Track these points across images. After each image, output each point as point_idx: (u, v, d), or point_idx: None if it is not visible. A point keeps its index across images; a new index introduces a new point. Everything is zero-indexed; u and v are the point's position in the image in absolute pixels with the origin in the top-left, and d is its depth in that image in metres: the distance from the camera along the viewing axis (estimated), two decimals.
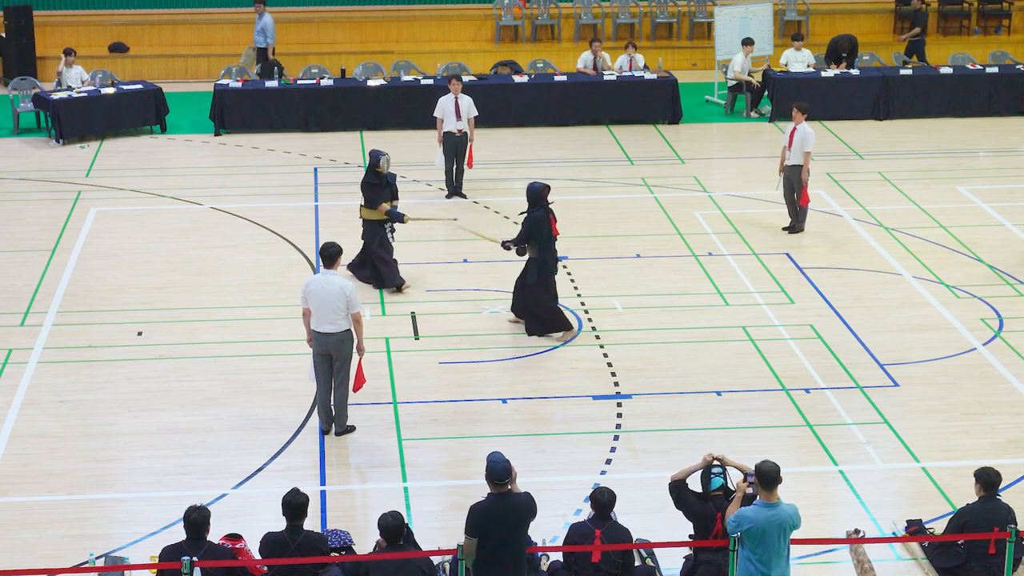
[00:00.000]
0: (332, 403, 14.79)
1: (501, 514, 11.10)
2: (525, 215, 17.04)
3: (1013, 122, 27.04)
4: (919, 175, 23.71)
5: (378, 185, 18.19)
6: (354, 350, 14.64)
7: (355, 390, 14.81)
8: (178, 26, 30.22)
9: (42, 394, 15.75)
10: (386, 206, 18.22)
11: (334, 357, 14.61)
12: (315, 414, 15.08)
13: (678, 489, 11.71)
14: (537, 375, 16.31)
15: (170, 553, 11.19)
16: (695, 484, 11.84)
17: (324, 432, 14.85)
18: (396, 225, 18.44)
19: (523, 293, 17.30)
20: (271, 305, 18.15)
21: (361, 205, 18.43)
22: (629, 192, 22.70)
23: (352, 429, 14.90)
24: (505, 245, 17.32)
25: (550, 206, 17.01)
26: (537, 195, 16.98)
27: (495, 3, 30.87)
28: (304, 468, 14.35)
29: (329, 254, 14.74)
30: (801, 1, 31.46)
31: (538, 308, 17.24)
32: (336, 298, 14.38)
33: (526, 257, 17.21)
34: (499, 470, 11.10)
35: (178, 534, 11.71)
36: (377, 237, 18.31)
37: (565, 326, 17.32)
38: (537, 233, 16.93)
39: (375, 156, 18.19)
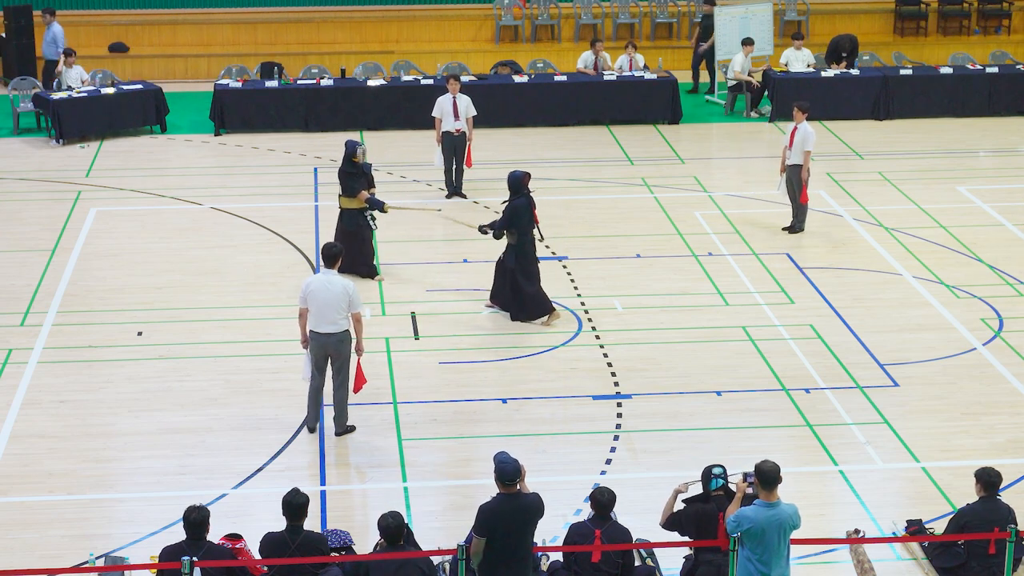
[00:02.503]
0: (333, 403, 14.78)
1: (510, 514, 11.09)
2: (507, 203, 17.45)
3: (1013, 122, 27.03)
4: (919, 175, 23.71)
5: (355, 174, 18.53)
6: (353, 350, 14.64)
7: (356, 391, 14.80)
8: (178, 26, 30.22)
9: (42, 394, 15.75)
10: (365, 194, 18.57)
11: (333, 358, 14.59)
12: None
13: (677, 520, 11.67)
14: (537, 375, 16.31)
15: (170, 553, 11.19)
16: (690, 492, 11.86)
17: (310, 430, 14.85)
18: (377, 214, 18.69)
19: (503, 280, 17.63)
20: (271, 305, 18.15)
21: (339, 195, 18.72)
22: (629, 192, 22.70)
23: (352, 429, 14.90)
24: (482, 229, 17.87)
25: (531, 194, 17.43)
26: (518, 183, 17.40)
27: (495, 3, 30.86)
28: (304, 468, 14.35)
29: (331, 254, 14.73)
30: (801, 1, 31.46)
31: (519, 294, 17.53)
32: (339, 298, 14.37)
33: (504, 243, 17.60)
34: (509, 470, 11.09)
35: (178, 534, 11.70)
36: (356, 226, 18.59)
37: (547, 309, 17.62)
38: (518, 221, 17.35)
39: (351, 146, 18.60)
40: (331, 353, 14.56)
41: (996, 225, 21.28)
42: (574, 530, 11.64)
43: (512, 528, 11.10)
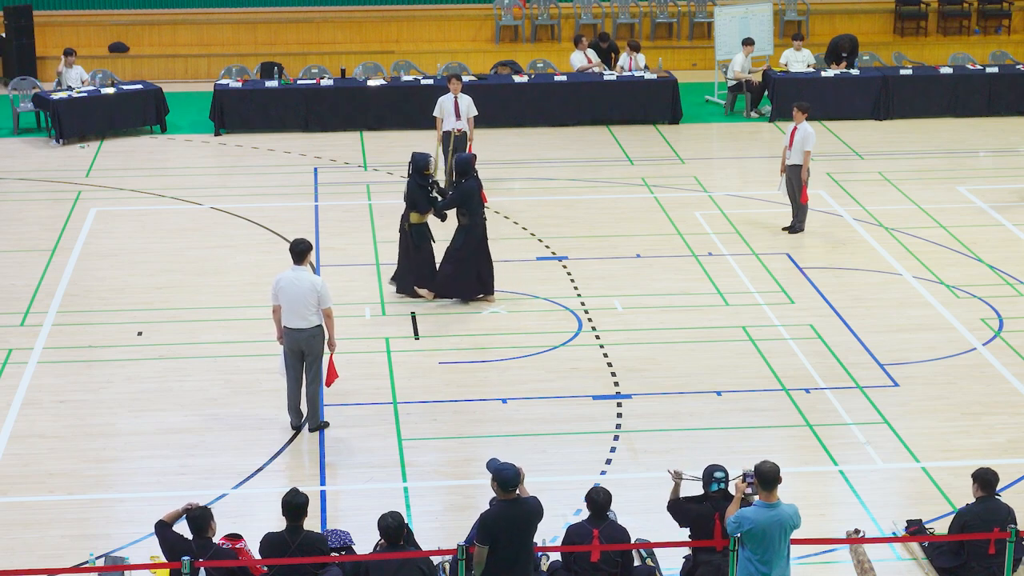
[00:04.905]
0: (304, 399, 14.83)
1: (513, 520, 11.05)
2: (456, 184, 17.79)
3: (1013, 122, 27.03)
4: (919, 175, 23.71)
5: (426, 188, 17.78)
6: (325, 346, 14.67)
7: (327, 385, 14.84)
8: (178, 26, 30.23)
9: (42, 394, 15.75)
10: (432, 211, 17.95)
11: (305, 353, 14.64)
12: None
13: (676, 507, 11.69)
14: (537, 375, 16.31)
15: (174, 542, 11.22)
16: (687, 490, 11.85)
17: (295, 428, 14.89)
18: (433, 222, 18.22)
19: (447, 257, 17.95)
20: (271, 305, 18.09)
21: (408, 211, 17.87)
22: (629, 192, 22.70)
23: (326, 425, 14.94)
24: (436, 207, 17.84)
25: (478, 175, 17.83)
26: (467, 165, 17.76)
27: (495, 3, 30.87)
28: (304, 468, 14.36)
29: (299, 250, 14.76)
30: (801, 1, 31.47)
31: (459, 272, 17.85)
32: (307, 293, 14.44)
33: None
34: (510, 477, 11.04)
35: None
36: (423, 240, 17.94)
37: (462, 295, 17.98)
38: (468, 201, 17.64)
39: (423, 159, 17.81)
40: (304, 348, 14.61)
41: (996, 225, 21.27)
42: (572, 531, 11.63)
43: (514, 534, 11.07)
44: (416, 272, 18.10)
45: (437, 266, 18.13)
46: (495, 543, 11.02)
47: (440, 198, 17.91)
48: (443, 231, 18.37)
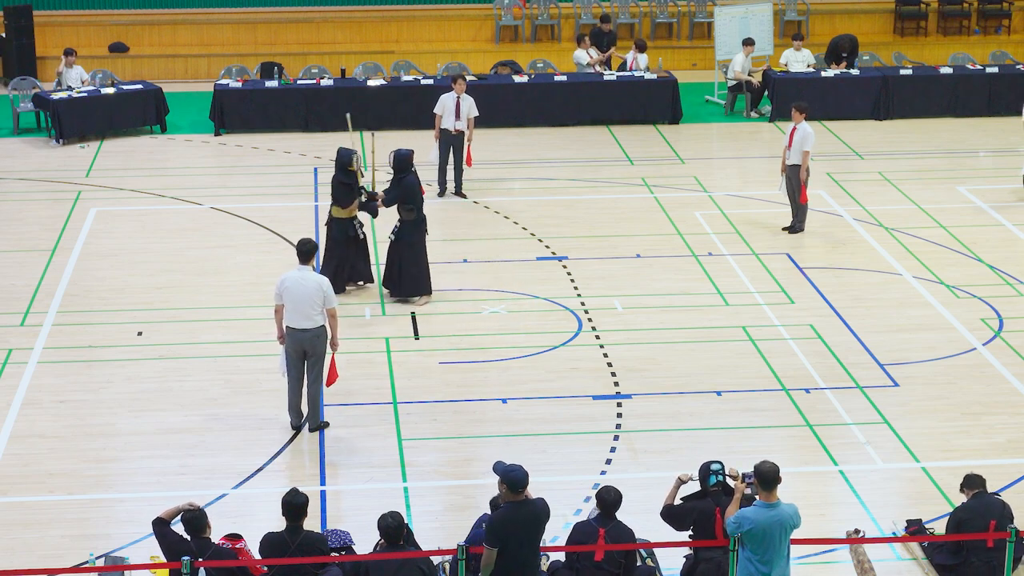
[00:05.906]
0: (307, 399, 14.83)
1: (521, 522, 11.02)
2: (394, 180, 17.88)
3: (1013, 122, 26.98)
4: (919, 175, 23.71)
5: (350, 184, 18.04)
6: (328, 346, 14.68)
7: (328, 385, 14.85)
8: (178, 26, 30.23)
9: (42, 394, 15.75)
10: (356, 206, 18.16)
11: (308, 353, 14.66)
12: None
13: (671, 511, 11.68)
14: (537, 375, 16.31)
15: (173, 541, 11.21)
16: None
17: (295, 428, 14.89)
18: (366, 219, 18.41)
19: (395, 256, 17.99)
20: (271, 305, 18.08)
21: (331, 204, 18.20)
22: (629, 192, 22.70)
23: (326, 425, 14.94)
24: (372, 196, 18.05)
25: (416, 171, 18.03)
26: (405, 162, 17.87)
27: (495, 3, 30.87)
28: (304, 468, 14.36)
29: (305, 250, 14.78)
30: (801, 1, 31.47)
31: (410, 269, 17.91)
32: (313, 293, 14.45)
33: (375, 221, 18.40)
34: (520, 477, 10.98)
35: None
36: (346, 236, 18.13)
37: (425, 291, 18.05)
38: (412, 196, 17.75)
39: (347, 155, 18.04)
40: (307, 348, 14.63)
41: (996, 225, 21.28)
42: (578, 528, 11.61)
43: (523, 536, 11.03)
44: (351, 267, 18.25)
45: (368, 260, 18.39)
46: (504, 546, 10.98)
47: (367, 199, 18.18)
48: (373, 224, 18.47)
